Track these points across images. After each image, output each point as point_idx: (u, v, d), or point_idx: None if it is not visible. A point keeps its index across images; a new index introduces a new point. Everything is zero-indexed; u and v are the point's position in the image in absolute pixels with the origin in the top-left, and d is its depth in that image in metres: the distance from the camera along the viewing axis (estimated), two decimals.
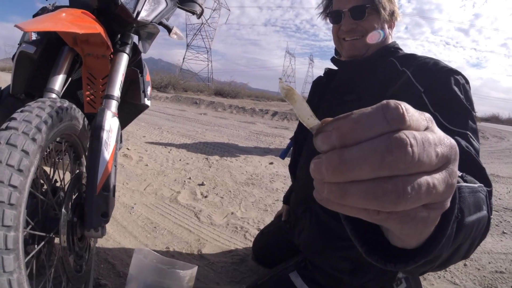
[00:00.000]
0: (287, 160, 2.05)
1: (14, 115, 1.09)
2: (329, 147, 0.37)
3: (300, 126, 1.90)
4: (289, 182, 3.98)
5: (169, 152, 5.12)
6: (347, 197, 0.36)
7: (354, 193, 0.36)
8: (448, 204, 0.42)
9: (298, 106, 0.42)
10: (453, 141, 0.40)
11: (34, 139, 1.05)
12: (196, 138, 6.71)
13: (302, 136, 1.83)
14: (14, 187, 0.96)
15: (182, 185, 3.66)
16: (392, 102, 0.36)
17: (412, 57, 1.42)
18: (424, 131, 0.38)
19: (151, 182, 3.63)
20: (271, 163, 5.08)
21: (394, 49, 1.53)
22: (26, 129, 1.05)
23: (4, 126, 1.05)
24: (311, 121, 0.41)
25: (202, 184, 3.73)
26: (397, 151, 0.34)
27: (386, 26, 1.51)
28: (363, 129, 0.36)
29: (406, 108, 0.36)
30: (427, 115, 0.40)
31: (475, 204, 0.63)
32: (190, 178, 3.89)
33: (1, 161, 0.96)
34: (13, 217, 0.94)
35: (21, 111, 1.12)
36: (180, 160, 4.70)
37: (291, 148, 1.96)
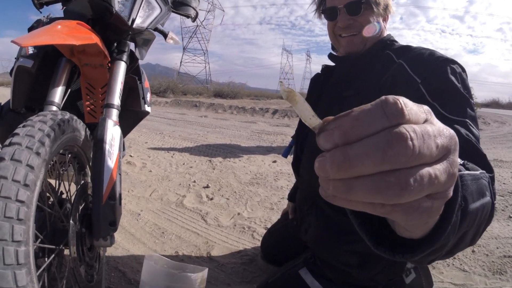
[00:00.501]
0: (290, 158, 2.05)
1: (17, 131, 1.10)
2: (332, 145, 0.38)
3: (301, 124, 1.90)
4: (293, 180, 3.99)
5: (172, 156, 5.13)
6: (352, 192, 0.37)
7: (358, 188, 0.37)
8: (450, 193, 0.43)
9: (299, 107, 0.43)
10: (452, 131, 0.41)
11: (38, 153, 1.06)
12: (198, 141, 6.72)
13: (303, 134, 1.83)
14: (22, 202, 0.96)
15: (187, 188, 3.67)
16: (391, 97, 0.37)
17: (408, 48, 1.43)
18: (423, 123, 0.38)
19: (156, 187, 3.64)
20: (275, 162, 5.08)
21: (390, 42, 1.53)
22: (30, 144, 1.05)
23: (7, 142, 1.06)
24: (313, 121, 0.42)
25: (207, 187, 3.74)
26: (397, 145, 0.35)
27: (381, 19, 1.51)
28: (364, 126, 0.37)
29: (405, 103, 0.37)
30: (426, 107, 0.40)
31: (478, 191, 0.64)
32: (194, 181, 3.89)
33: (7, 177, 0.97)
34: (23, 232, 0.95)
35: (23, 126, 1.12)
36: (183, 164, 4.70)
37: (293, 146, 1.96)
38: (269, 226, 2.68)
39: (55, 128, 1.17)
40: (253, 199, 3.42)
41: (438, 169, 0.38)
